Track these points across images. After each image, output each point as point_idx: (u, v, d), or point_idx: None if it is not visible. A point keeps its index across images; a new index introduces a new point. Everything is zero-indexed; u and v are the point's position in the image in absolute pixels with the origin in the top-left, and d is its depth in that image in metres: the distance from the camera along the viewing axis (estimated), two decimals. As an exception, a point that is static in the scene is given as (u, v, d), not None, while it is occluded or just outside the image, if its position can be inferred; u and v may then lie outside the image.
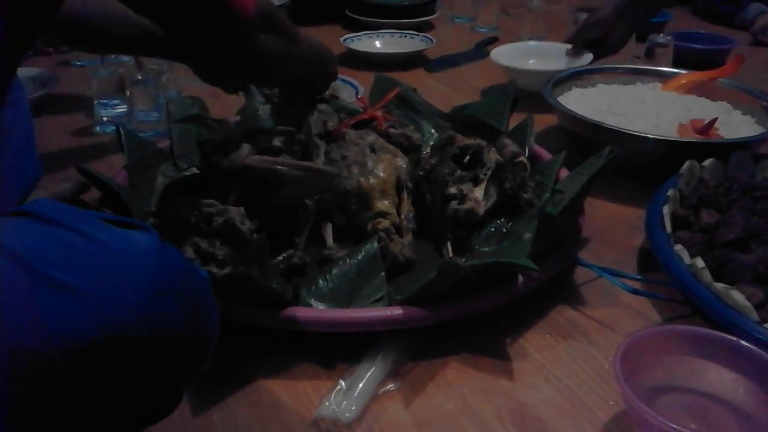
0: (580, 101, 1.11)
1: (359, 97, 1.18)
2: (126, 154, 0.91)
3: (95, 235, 0.44)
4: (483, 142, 0.85)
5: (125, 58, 1.24)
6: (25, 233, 0.43)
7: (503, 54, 1.36)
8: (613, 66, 1.24)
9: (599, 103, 1.10)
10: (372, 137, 0.90)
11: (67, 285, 0.42)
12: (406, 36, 1.60)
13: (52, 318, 0.41)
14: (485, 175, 0.82)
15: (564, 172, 0.89)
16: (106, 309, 0.42)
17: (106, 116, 1.18)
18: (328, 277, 0.73)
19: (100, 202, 0.87)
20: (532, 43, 1.46)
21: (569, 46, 1.33)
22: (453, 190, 0.81)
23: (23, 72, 1.25)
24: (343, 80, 1.28)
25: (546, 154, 0.96)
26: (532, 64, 1.37)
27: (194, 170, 0.89)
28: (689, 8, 1.96)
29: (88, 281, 0.42)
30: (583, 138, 1.02)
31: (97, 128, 1.18)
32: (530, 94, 1.16)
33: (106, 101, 1.18)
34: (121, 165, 0.93)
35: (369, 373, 0.63)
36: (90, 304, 0.42)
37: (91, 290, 0.42)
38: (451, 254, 0.79)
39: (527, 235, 0.79)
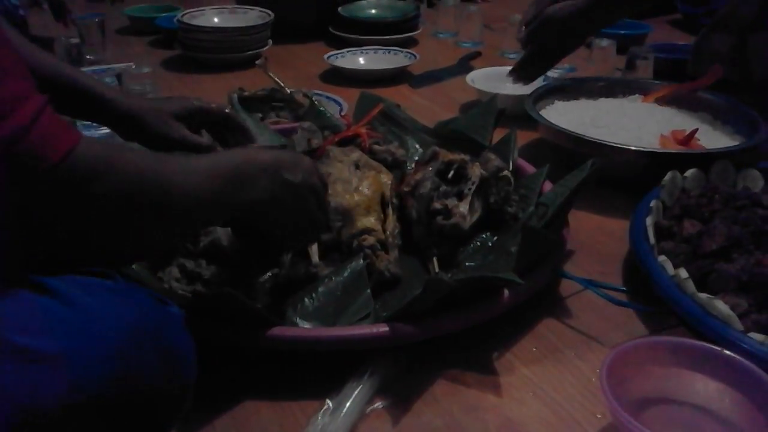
0: (562, 114, 1.12)
1: (343, 114, 1.18)
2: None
3: (69, 297, 0.43)
4: (467, 157, 0.86)
5: (108, 78, 1.24)
6: None
7: (479, 77, 1.36)
8: (595, 78, 1.25)
9: (581, 115, 1.10)
10: (356, 154, 0.90)
11: (32, 351, 0.40)
12: (389, 52, 1.61)
13: (20, 388, 0.39)
14: (470, 189, 0.82)
15: (548, 185, 0.90)
16: (76, 371, 0.41)
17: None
18: (314, 295, 0.73)
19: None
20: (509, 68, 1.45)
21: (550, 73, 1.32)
22: (438, 205, 0.81)
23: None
24: (327, 97, 1.28)
25: (530, 168, 0.96)
26: (506, 87, 1.35)
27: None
28: (669, 20, 1.98)
29: (56, 344, 0.41)
30: (566, 151, 1.02)
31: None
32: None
33: (89, 122, 1.17)
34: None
35: (356, 392, 0.63)
36: (59, 370, 0.41)
37: (59, 354, 0.41)
38: (437, 269, 0.79)
39: (513, 249, 0.79)
